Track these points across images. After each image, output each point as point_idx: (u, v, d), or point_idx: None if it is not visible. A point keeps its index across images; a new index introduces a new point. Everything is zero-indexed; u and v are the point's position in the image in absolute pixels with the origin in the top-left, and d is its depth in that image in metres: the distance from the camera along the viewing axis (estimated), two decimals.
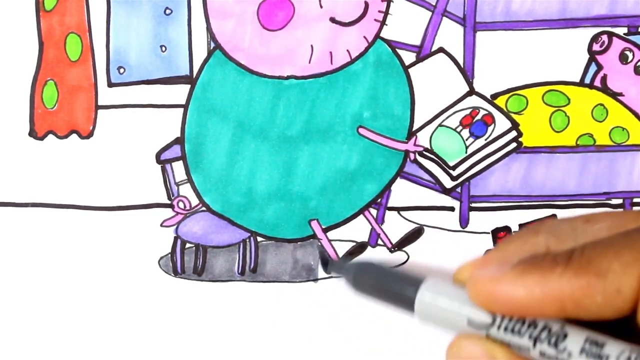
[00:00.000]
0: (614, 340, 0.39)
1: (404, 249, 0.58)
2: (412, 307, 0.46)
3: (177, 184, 0.58)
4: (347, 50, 0.58)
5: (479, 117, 0.58)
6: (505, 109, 0.58)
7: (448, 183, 0.58)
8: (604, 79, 0.58)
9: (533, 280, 0.40)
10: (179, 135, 0.58)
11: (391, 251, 0.58)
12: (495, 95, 0.58)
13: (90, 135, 0.58)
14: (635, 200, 0.58)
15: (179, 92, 0.58)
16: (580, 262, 0.39)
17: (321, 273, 0.58)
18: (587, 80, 0.59)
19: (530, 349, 0.41)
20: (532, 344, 0.41)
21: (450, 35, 0.58)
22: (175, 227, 0.58)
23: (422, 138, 0.58)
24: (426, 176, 0.58)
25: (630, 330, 0.40)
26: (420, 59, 0.58)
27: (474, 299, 0.42)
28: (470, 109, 0.58)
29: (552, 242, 0.42)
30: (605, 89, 0.59)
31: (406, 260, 0.58)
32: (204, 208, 0.58)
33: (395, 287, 0.47)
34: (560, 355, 0.40)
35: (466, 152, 0.58)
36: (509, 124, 0.58)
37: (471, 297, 0.42)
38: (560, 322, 0.41)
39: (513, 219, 0.58)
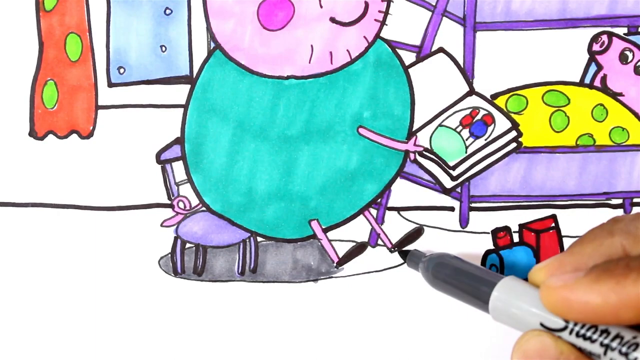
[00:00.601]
0: None
1: (404, 249, 0.58)
2: (487, 305, 0.46)
3: (177, 184, 0.58)
4: (347, 50, 0.58)
5: (479, 117, 0.58)
6: (505, 109, 0.58)
7: (448, 183, 0.58)
8: (604, 79, 0.58)
9: (608, 287, 0.39)
10: (179, 135, 0.58)
11: (391, 251, 0.58)
12: (495, 95, 0.58)
13: (90, 135, 0.58)
14: (635, 200, 0.58)
15: (179, 92, 0.58)
16: None
17: (321, 273, 0.58)
18: (587, 80, 0.59)
19: (601, 355, 0.41)
20: (603, 352, 0.40)
21: (450, 35, 0.58)
22: (175, 227, 0.58)
23: (422, 138, 0.58)
24: (426, 176, 0.58)
25: None
26: (420, 59, 0.58)
27: (548, 305, 0.41)
28: (470, 109, 0.58)
29: (628, 242, 0.42)
30: (605, 89, 0.59)
31: (405, 261, 0.58)
32: (204, 208, 0.58)
33: (472, 285, 0.47)
34: None
35: (466, 152, 0.58)
36: (509, 124, 0.58)
37: (545, 303, 0.41)
38: (633, 331, 0.40)
39: (513, 219, 0.58)
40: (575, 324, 0.41)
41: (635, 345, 0.40)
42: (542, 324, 0.43)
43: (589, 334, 0.41)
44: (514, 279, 0.46)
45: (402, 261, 0.58)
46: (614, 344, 0.40)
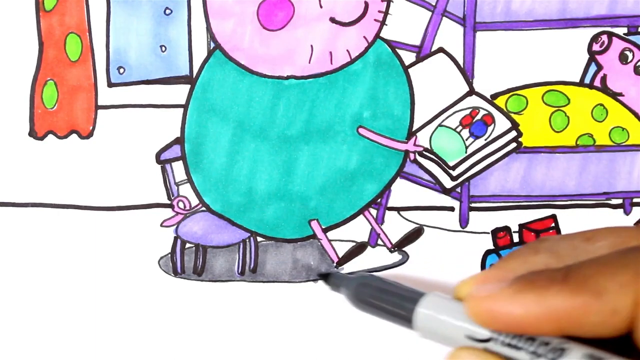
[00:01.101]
0: (613, 356, 0.39)
1: (404, 249, 0.58)
2: (411, 323, 0.46)
3: (177, 184, 0.58)
4: (347, 50, 0.58)
5: (478, 117, 0.58)
6: (505, 109, 0.58)
7: (448, 183, 0.58)
8: (603, 79, 0.58)
9: (530, 298, 0.39)
10: (179, 135, 0.58)
11: (391, 251, 0.58)
12: (495, 95, 0.58)
13: (90, 135, 0.58)
14: (635, 200, 0.58)
15: (179, 92, 0.58)
16: (576, 280, 0.39)
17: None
18: (587, 80, 0.59)
19: None
20: (532, 359, 0.41)
21: (450, 35, 0.58)
22: (175, 227, 0.58)
23: (422, 138, 0.58)
24: (426, 176, 0.58)
25: (631, 347, 0.39)
26: (420, 59, 0.58)
27: (472, 316, 0.42)
28: (470, 109, 0.58)
29: (552, 261, 0.42)
30: (605, 89, 0.59)
31: (406, 260, 0.58)
32: (204, 208, 0.58)
33: (395, 303, 0.47)
34: None
35: (466, 152, 0.58)
36: (508, 124, 0.58)
37: (469, 314, 0.42)
38: (560, 337, 0.40)
39: (513, 219, 0.58)
40: (501, 334, 0.41)
41: (562, 350, 0.40)
42: (468, 337, 0.43)
43: (514, 342, 0.41)
44: (437, 295, 0.46)
45: (398, 263, 0.58)
46: (540, 350, 0.40)
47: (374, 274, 0.54)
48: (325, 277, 0.55)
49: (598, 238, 0.43)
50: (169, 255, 0.58)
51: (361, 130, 0.58)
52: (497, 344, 0.42)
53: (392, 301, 0.48)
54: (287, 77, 0.58)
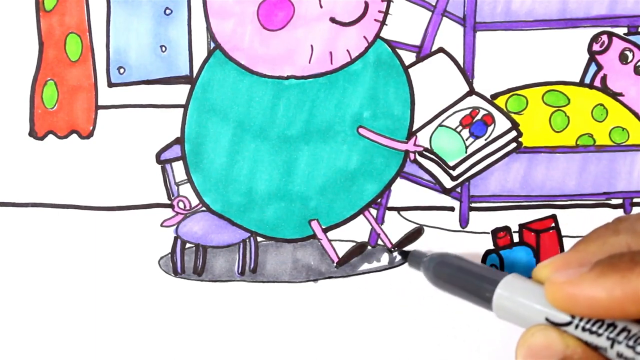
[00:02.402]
0: None
1: (404, 249, 0.58)
2: (490, 303, 0.46)
3: (177, 184, 0.58)
4: (347, 50, 0.58)
5: (479, 117, 0.58)
6: (505, 109, 0.58)
7: (448, 183, 0.58)
8: (604, 79, 0.58)
9: (613, 282, 0.39)
10: (179, 135, 0.58)
11: (391, 251, 0.58)
12: (495, 95, 0.58)
13: (90, 135, 0.58)
14: (635, 200, 0.58)
15: (179, 92, 0.58)
16: None
17: (321, 273, 0.58)
18: (587, 80, 0.59)
19: (607, 349, 0.41)
20: (610, 345, 0.40)
21: (450, 35, 0.58)
22: (175, 227, 0.58)
23: (422, 138, 0.58)
24: (426, 176, 0.58)
25: None
26: (420, 59, 0.58)
27: (553, 301, 0.41)
28: (470, 109, 0.58)
29: (633, 241, 0.42)
30: (605, 89, 0.59)
31: (406, 260, 0.58)
32: (204, 208, 0.58)
33: (474, 283, 0.47)
34: (638, 357, 0.39)
35: (466, 152, 0.58)
36: (509, 124, 0.58)
37: (549, 299, 0.41)
38: None
39: (513, 219, 0.58)
40: (581, 319, 0.41)
41: None
42: (547, 319, 0.43)
43: (594, 328, 0.41)
44: (516, 276, 0.46)
45: (402, 261, 0.58)
46: (621, 338, 0.40)
47: (453, 253, 0.54)
48: (404, 254, 0.56)
49: None
50: (169, 255, 0.58)
51: (361, 130, 0.58)
52: (577, 328, 0.41)
53: (471, 281, 0.48)
54: (287, 77, 0.58)
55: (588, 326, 0.41)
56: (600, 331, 0.41)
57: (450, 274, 0.50)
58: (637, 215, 0.44)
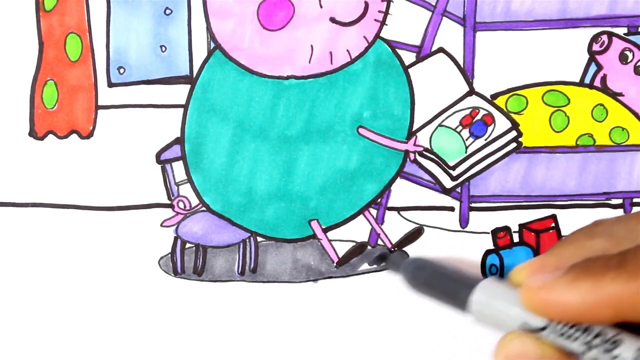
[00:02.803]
0: None
1: (404, 249, 0.58)
2: (467, 308, 0.46)
3: (177, 184, 0.58)
4: (347, 50, 0.58)
5: (478, 117, 0.58)
6: (505, 109, 0.58)
7: (448, 183, 0.58)
8: (603, 79, 0.58)
9: (586, 286, 0.39)
10: (179, 135, 0.58)
11: (391, 251, 0.58)
12: (495, 95, 0.58)
13: (90, 135, 0.58)
14: (635, 200, 0.58)
15: (179, 92, 0.58)
16: (634, 265, 0.38)
17: (321, 273, 0.58)
18: (587, 80, 0.59)
19: (583, 354, 0.41)
20: (585, 350, 0.40)
21: (450, 35, 0.58)
22: (175, 227, 0.58)
23: (422, 138, 0.58)
24: (426, 176, 0.58)
25: None
26: (420, 59, 0.58)
27: (528, 305, 0.41)
28: (470, 109, 0.58)
29: (609, 245, 0.42)
30: (605, 89, 0.59)
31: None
32: (204, 208, 0.58)
33: (451, 287, 0.47)
34: None
35: (466, 152, 0.58)
36: (508, 124, 0.58)
37: (524, 303, 0.41)
38: (615, 328, 0.40)
39: (513, 219, 0.58)
40: (557, 324, 0.41)
41: (617, 342, 0.40)
42: (524, 324, 0.43)
43: (570, 332, 0.41)
44: (493, 280, 0.46)
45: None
46: (596, 342, 0.40)
47: (431, 257, 0.54)
48: (382, 258, 0.56)
49: None
50: (169, 255, 0.58)
51: (361, 130, 0.58)
52: (552, 333, 0.41)
53: (447, 286, 0.47)
54: (287, 77, 0.58)
55: (564, 331, 0.41)
56: (577, 335, 0.41)
57: (427, 279, 0.50)
58: (615, 219, 0.44)
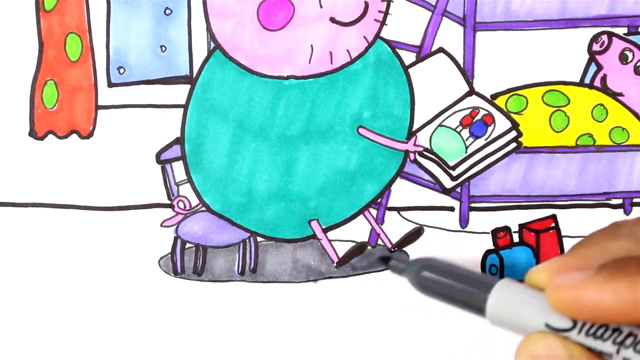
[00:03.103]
0: None
1: (404, 249, 0.58)
2: (483, 310, 0.44)
3: (177, 184, 0.58)
4: (347, 50, 0.58)
5: (478, 117, 0.58)
6: (505, 109, 0.58)
7: (448, 183, 0.58)
8: (603, 79, 0.58)
9: (622, 286, 0.38)
10: (179, 135, 0.58)
11: (391, 251, 0.58)
12: (495, 95, 0.58)
13: (90, 135, 0.58)
14: (635, 200, 0.58)
15: (179, 92, 0.58)
16: None
17: (321, 273, 0.58)
18: (587, 80, 0.59)
19: (613, 354, 0.40)
20: (616, 350, 0.40)
21: (450, 35, 0.58)
22: (175, 227, 0.58)
23: (422, 138, 0.58)
24: (426, 176, 0.58)
25: None
26: (420, 59, 0.58)
27: (556, 306, 0.40)
28: (470, 109, 0.58)
29: (633, 246, 0.41)
30: (605, 89, 0.59)
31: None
32: (204, 208, 0.58)
33: (465, 290, 0.45)
34: None
35: (466, 152, 0.58)
36: (508, 124, 0.58)
37: (553, 304, 0.40)
38: None
39: (513, 219, 0.58)
40: (583, 324, 0.40)
41: None
42: (547, 325, 0.42)
43: (599, 332, 0.40)
44: (509, 281, 0.45)
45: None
46: (628, 342, 0.39)
47: (436, 257, 0.52)
48: (386, 260, 0.54)
49: None
50: (169, 255, 0.58)
51: (361, 130, 0.58)
52: (580, 333, 0.40)
53: (461, 288, 0.46)
54: (287, 77, 0.58)
55: (592, 331, 0.40)
56: (606, 336, 0.40)
57: (437, 280, 0.48)
58: (635, 220, 0.43)
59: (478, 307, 0.44)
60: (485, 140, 0.58)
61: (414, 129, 0.58)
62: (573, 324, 0.41)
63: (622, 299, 0.38)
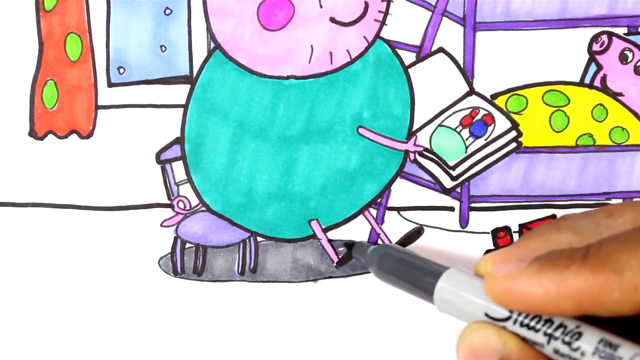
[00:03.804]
0: (628, 342, 0.39)
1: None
2: (431, 296, 0.46)
3: (177, 184, 0.58)
4: (347, 50, 0.58)
5: (478, 117, 0.58)
6: (505, 109, 0.58)
7: (448, 183, 0.58)
8: (603, 79, 0.58)
9: (549, 278, 0.39)
10: (179, 135, 0.58)
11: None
12: (495, 95, 0.59)
13: (90, 135, 0.58)
14: (635, 200, 0.58)
15: (179, 92, 0.58)
16: (596, 258, 0.38)
17: (321, 273, 0.58)
18: (587, 80, 0.59)
19: (544, 345, 0.41)
20: (547, 341, 0.41)
21: (450, 35, 0.58)
22: (175, 227, 0.58)
23: (422, 138, 0.58)
24: (426, 176, 0.58)
25: None
26: (420, 59, 0.58)
27: (491, 295, 0.42)
28: (470, 109, 0.58)
29: (574, 238, 0.42)
30: (605, 89, 0.59)
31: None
32: (204, 208, 0.58)
33: (417, 276, 0.47)
34: (573, 354, 0.39)
35: (466, 152, 0.58)
36: (508, 124, 0.58)
37: (488, 293, 0.42)
38: (577, 321, 0.41)
39: (513, 219, 0.58)
40: (519, 314, 0.42)
41: (578, 334, 0.40)
42: (486, 314, 0.43)
43: (532, 323, 0.41)
44: (458, 270, 0.46)
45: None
46: (557, 333, 0.40)
47: (397, 245, 0.55)
48: (350, 246, 0.56)
49: (620, 213, 0.43)
50: (169, 255, 0.58)
51: (361, 130, 0.58)
52: (515, 323, 0.42)
53: (413, 274, 0.48)
54: (287, 77, 0.58)
55: (526, 321, 0.41)
56: (538, 327, 0.41)
57: (393, 266, 0.50)
58: (581, 214, 0.44)
59: (427, 293, 0.46)
60: (485, 140, 0.58)
61: (414, 129, 0.58)
62: (509, 314, 0.42)
63: (548, 291, 0.39)
